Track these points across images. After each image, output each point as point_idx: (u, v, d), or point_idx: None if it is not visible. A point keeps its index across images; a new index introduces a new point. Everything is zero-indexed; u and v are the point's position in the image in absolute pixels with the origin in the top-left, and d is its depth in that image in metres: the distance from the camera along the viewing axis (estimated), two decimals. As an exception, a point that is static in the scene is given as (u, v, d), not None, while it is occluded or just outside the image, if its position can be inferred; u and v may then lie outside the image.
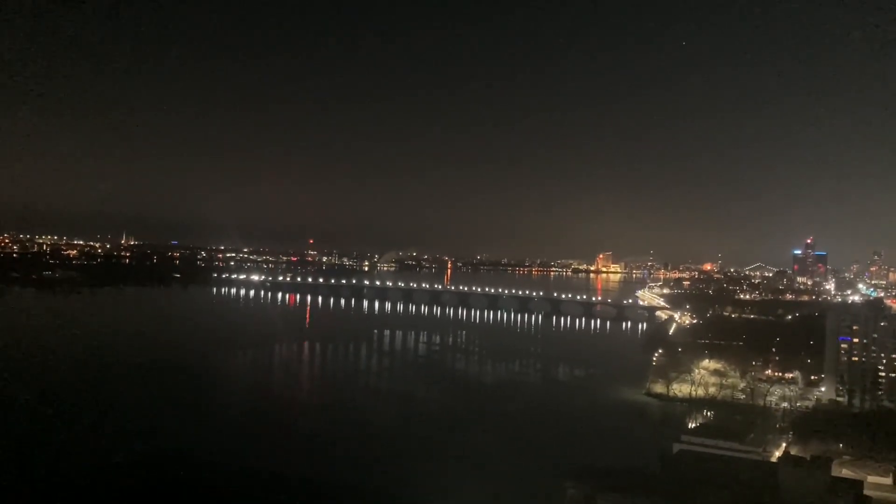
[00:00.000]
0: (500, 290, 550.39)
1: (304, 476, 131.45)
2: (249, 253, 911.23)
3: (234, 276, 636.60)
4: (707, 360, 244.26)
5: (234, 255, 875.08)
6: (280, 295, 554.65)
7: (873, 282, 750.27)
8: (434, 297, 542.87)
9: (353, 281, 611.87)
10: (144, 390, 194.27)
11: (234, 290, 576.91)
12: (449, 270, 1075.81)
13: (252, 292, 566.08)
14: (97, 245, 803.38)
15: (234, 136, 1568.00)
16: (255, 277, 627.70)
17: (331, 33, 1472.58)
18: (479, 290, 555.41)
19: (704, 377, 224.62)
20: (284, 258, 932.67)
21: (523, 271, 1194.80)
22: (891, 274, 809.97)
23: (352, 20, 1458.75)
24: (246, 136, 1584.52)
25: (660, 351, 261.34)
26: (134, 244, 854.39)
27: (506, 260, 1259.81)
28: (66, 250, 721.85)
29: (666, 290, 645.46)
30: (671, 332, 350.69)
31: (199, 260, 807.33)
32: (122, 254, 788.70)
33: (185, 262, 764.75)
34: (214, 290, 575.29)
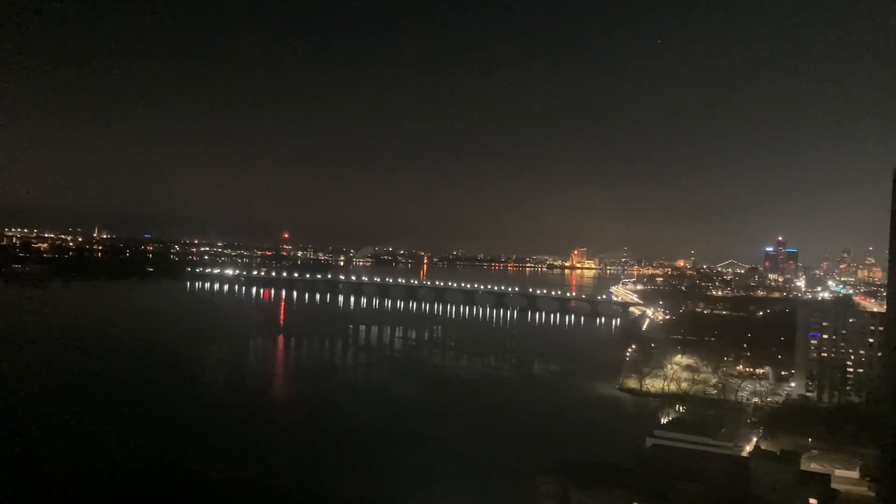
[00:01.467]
0: (476, 286, 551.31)
1: (283, 474, 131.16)
2: (223, 247, 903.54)
3: (208, 270, 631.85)
4: (679, 356, 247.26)
5: (207, 249, 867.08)
6: (254, 289, 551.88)
7: (842, 279, 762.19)
8: (410, 293, 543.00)
9: (329, 276, 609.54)
10: (116, 388, 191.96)
11: (208, 285, 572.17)
12: (425, 266, 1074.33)
13: (226, 287, 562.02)
14: (68, 238, 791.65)
15: (208, 129, 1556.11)
16: (229, 272, 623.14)
17: (310, 29, 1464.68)
18: (455, 285, 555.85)
19: (677, 372, 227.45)
20: (259, 252, 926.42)
21: (499, 267, 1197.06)
22: (859, 271, 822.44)
23: (330, 16, 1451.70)
24: (221, 128, 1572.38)
25: (633, 346, 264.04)
26: (106, 238, 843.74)
27: (482, 255, 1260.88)
28: (36, 244, 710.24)
29: (639, 287, 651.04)
30: (644, 327, 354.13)
31: (173, 254, 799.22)
32: (95, 247, 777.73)
33: (158, 256, 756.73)
34: (188, 284, 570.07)
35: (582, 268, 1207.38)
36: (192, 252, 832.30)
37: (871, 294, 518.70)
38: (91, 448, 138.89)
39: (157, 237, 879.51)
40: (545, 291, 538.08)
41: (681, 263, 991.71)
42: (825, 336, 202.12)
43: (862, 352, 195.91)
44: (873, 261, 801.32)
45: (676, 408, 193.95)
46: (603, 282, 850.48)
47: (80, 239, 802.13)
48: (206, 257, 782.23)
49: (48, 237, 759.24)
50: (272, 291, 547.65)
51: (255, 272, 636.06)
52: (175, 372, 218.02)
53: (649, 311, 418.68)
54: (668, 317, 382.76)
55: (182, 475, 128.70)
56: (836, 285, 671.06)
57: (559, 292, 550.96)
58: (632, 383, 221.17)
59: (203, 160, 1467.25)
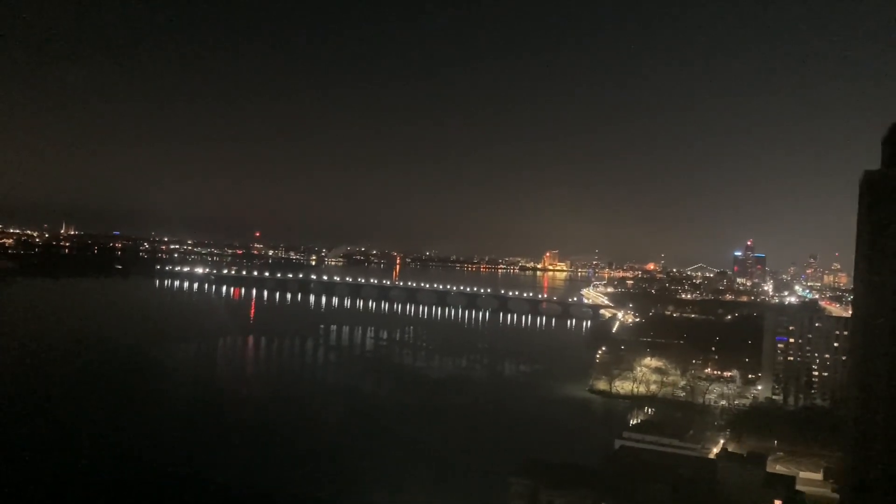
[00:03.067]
0: (448, 287, 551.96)
1: (255, 475, 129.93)
2: (194, 245, 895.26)
3: (177, 268, 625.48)
4: (649, 358, 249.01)
5: (178, 246, 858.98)
6: (225, 288, 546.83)
7: (809, 284, 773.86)
8: (382, 293, 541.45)
9: (300, 275, 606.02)
10: (83, 387, 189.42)
11: (177, 283, 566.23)
12: (398, 266, 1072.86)
13: (196, 285, 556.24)
14: (35, 234, 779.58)
15: (180, 126, 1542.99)
16: (199, 270, 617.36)
17: (282, 28, 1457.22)
18: (427, 286, 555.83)
19: (646, 375, 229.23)
20: (230, 251, 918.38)
21: (472, 268, 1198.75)
22: (825, 276, 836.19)
23: (305, 18, 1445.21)
24: (192, 126, 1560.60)
25: (603, 348, 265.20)
26: (74, 234, 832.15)
27: (454, 256, 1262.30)
28: (0, 239, 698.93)
29: (610, 289, 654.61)
30: (614, 330, 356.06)
31: (142, 251, 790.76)
32: (62, 244, 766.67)
33: (127, 253, 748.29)
34: (157, 282, 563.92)
35: (554, 270, 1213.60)
36: (162, 250, 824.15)
37: (837, 299, 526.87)
38: (63, 455, 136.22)
39: (126, 234, 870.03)
40: (517, 293, 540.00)
41: (651, 267, 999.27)
42: (791, 340, 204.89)
43: (827, 356, 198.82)
44: (839, 266, 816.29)
45: (645, 410, 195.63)
46: (574, 284, 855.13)
47: (46, 235, 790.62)
48: (177, 255, 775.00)
49: (13, 233, 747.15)
50: (243, 290, 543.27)
51: (225, 271, 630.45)
52: (142, 372, 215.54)
53: (619, 314, 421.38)
54: (637, 319, 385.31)
55: (155, 478, 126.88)
56: (803, 290, 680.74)
57: (531, 294, 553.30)
58: (602, 385, 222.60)
59: (175, 158, 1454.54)
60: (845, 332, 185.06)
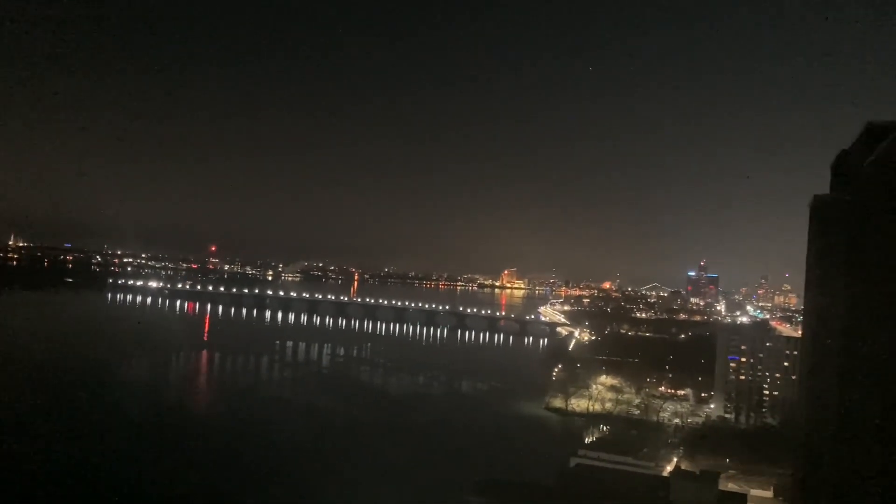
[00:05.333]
0: (406, 303, 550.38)
1: (212, 493, 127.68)
2: (148, 259, 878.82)
3: (131, 282, 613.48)
4: (604, 376, 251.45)
5: (131, 260, 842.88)
6: (179, 303, 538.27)
7: (760, 304, 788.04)
8: (340, 309, 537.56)
9: (256, 290, 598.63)
10: (30, 403, 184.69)
11: (130, 297, 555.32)
12: (356, 282, 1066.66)
13: (150, 299, 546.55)
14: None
15: (134, 137, 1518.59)
16: (153, 284, 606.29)
17: (240, 42, 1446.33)
18: (385, 302, 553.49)
19: (601, 392, 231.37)
20: (184, 265, 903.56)
21: (430, 285, 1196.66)
22: (776, 297, 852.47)
23: (269, 30, 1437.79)
24: (146, 136, 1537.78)
25: (559, 366, 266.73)
26: (23, 246, 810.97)
27: (413, 273, 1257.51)
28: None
29: (567, 307, 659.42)
30: (571, 347, 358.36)
31: (94, 264, 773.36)
32: (9, 256, 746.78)
33: (78, 266, 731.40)
34: (110, 296, 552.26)
35: (512, 287, 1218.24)
36: (115, 263, 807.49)
37: (787, 319, 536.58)
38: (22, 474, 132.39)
39: (77, 246, 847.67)
40: (475, 310, 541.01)
41: (607, 285, 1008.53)
42: (743, 359, 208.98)
43: (777, 375, 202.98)
44: (789, 287, 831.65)
45: (600, 427, 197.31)
46: (532, 302, 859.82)
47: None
48: (130, 269, 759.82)
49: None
50: (197, 305, 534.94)
51: (180, 285, 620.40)
52: (94, 387, 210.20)
53: (576, 332, 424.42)
54: (593, 337, 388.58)
55: (113, 496, 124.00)
56: (755, 310, 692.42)
57: (489, 311, 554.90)
58: (558, 403, 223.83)
59: (128, 169, 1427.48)
60: (795, 352, 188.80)
